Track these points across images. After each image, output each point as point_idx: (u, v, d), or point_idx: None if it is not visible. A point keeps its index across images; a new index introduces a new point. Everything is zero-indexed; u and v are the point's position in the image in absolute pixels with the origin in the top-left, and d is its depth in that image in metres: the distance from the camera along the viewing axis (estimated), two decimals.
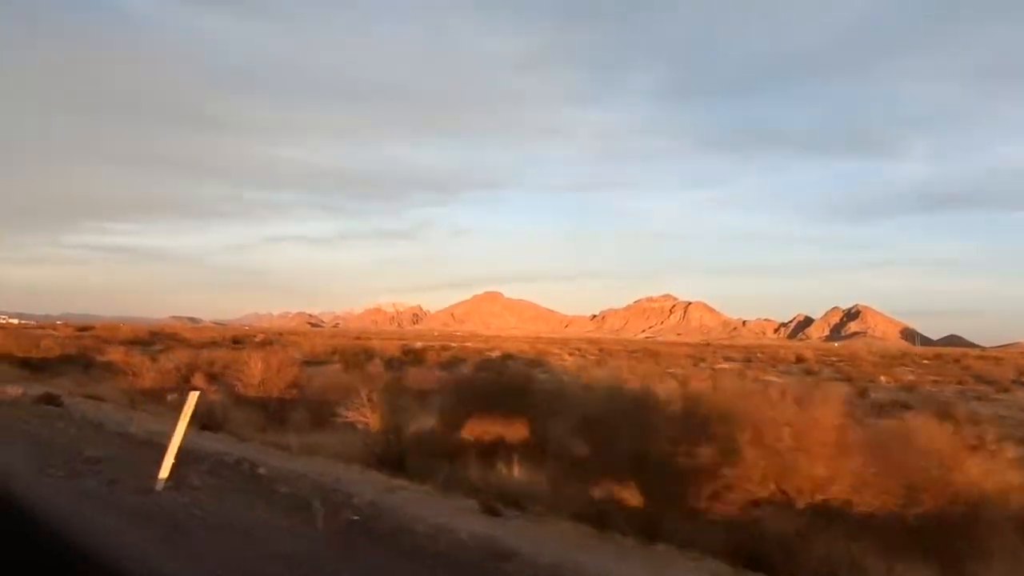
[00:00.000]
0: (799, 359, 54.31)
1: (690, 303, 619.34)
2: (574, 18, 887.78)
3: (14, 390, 15.37)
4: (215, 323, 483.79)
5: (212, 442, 11.29)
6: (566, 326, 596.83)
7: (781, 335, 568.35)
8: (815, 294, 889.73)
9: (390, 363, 37.32)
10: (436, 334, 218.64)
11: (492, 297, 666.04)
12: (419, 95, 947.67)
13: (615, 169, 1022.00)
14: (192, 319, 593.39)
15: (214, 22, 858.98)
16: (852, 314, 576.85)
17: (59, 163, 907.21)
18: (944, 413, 14.26)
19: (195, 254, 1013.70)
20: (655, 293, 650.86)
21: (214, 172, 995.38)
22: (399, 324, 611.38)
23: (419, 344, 64.95)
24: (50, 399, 14.23)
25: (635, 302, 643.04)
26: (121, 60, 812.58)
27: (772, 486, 7.03)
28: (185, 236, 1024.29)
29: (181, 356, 23.34)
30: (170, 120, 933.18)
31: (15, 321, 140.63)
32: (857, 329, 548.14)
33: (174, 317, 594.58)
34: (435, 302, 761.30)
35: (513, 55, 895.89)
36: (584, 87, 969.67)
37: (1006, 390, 32.84)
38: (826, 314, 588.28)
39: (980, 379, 39.15)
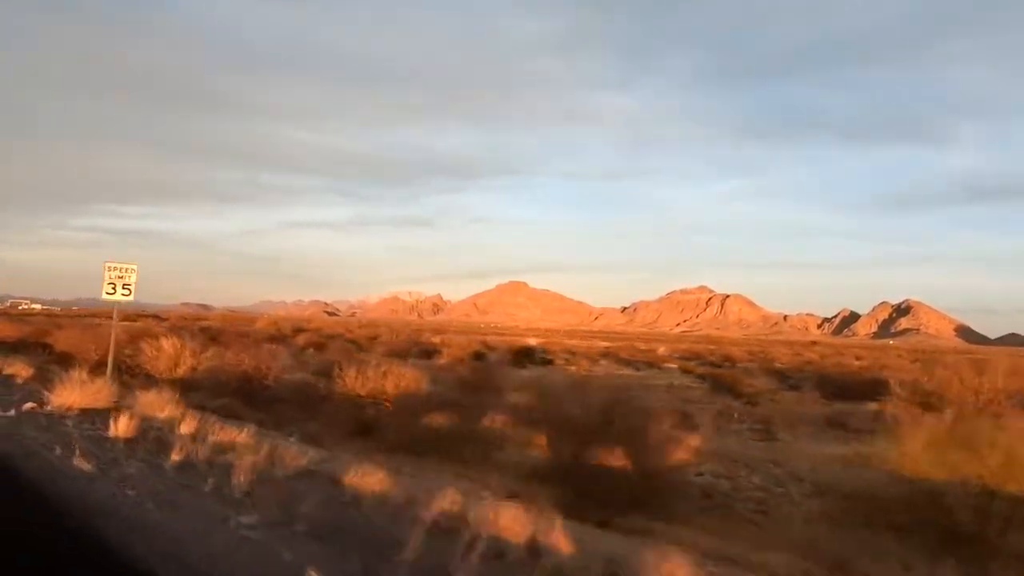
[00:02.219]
0: None
1: (728, 296, 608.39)
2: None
3: None
4: (228, 310, 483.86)
5: None
6: (595, 318, 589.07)
7: (825, 331, 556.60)
8: (860, 288, 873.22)
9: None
10: (489, 326, 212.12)
11: (516, 287, 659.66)
12: (440, 78, 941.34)
13: (645, 157, 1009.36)
14: (204, 306, 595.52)
15: (230, 1, 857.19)
16: (902, 310, 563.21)
17: (70, 145, 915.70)
18: None
19: (207, 239, 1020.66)
20: (689, 285, 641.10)
21: (229, 155, 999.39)
22: (419, 314, 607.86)
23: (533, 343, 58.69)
24: None
25: (668, 294, 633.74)
26: (135, 40, 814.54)
27: None
28: (198, 220, 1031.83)
29: None
30: (184, 101, 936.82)
31: (36, 307, 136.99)
32: (908, 326, 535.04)
33: (184, 304, 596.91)
34: (454, 291, 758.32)
35: (540, 38, 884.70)
36: (614, 71, 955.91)
37: None
38: (874, 309, 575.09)
39: None
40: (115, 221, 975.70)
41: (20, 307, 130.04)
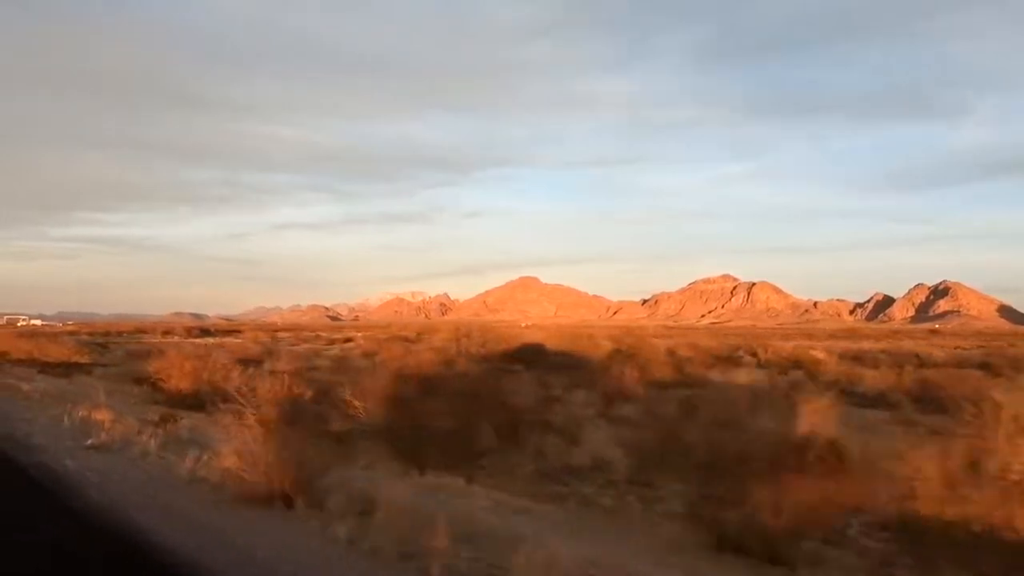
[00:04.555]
0: None
1: (754, 284, 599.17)
2: None
3: None
4: (222, 319, 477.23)
5: None
6: (614, 313, 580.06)
7: (858, 316, 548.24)
8: (889, 270, 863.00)
9: None
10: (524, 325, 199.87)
11: (527, 283, 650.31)
12: (428, 67, 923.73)
13: (646, 141, 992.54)
14: (195, 315, 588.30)
15: None
16: (940, 291, 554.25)
17: (44, 150, 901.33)
18: None
19: (193, 244, 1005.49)
20: (712, 274, 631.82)
21: (211, 155, 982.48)
22: (425, 315, 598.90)
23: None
24: None
25: (689, 284, 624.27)
26: (106, 35, 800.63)
27: None
28: (182, 225, 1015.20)
29: None
30: (162, 99, 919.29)
31: (37, 322, 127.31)
32: (948, 308, 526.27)
33: (175, 314, 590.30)
34: (457, 289, 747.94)
35: (530, 19, 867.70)
36: (609, 53, 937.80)
37: None
38: (909, 292, 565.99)
39: None
40: (96, 230, 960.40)
41: (19, 323, 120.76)
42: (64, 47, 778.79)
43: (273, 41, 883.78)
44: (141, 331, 50.37)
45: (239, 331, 51.90)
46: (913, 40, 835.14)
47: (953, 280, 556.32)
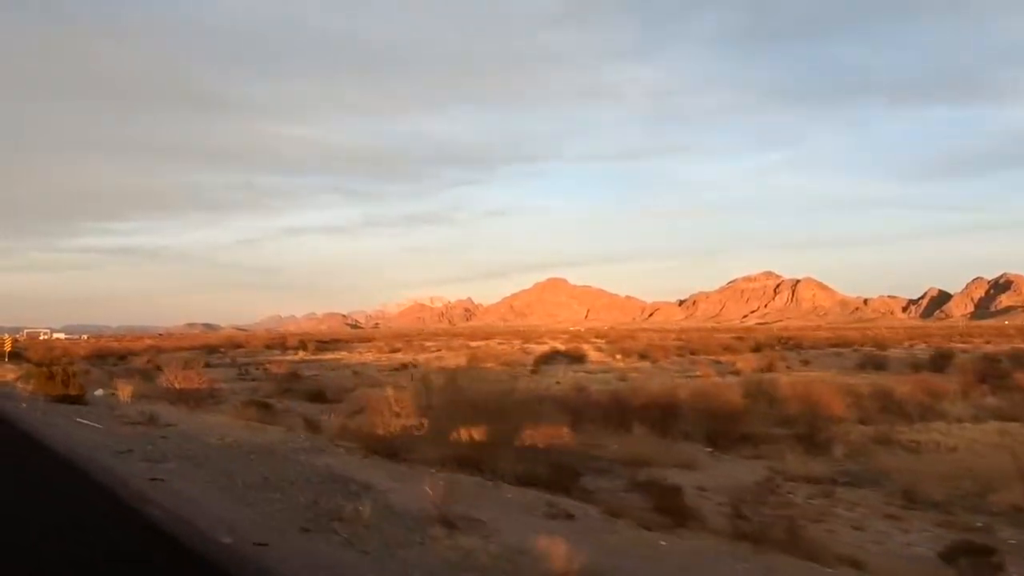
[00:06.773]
0: None
1: (798, 280, 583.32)
2: None
3: None
4: (236, 328, 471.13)
5: None
6: (649, 315, 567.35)
7: (912, 314, 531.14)
8: (945, 264, 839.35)
9: None
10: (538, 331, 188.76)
11: (555, 285, 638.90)
12: (445, 60, 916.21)
13: (677, 132, 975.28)
14: (209, 325, 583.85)
15: None
16: (1000, 285, 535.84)
17: (50, 158, 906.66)
18: None
19: (206, 252, 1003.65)
20: (753, 271, 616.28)
21: (223, 158, 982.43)
22: (450, 321, 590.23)
23: None
24: None
25: (729, 283, 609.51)
26: (114, 37, 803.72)
27: None
28: (194, 232, 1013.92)
29: None
30: (171, 102, 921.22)
31: (60, 335, 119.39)
32: (1010, 303, 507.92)
33: (189, 324, 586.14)
34: (481, 293, 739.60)
35: (550, 7, 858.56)
36: (634, 39, 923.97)
37: None
38: (967, 287, 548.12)
39: None
40: (106, 239, 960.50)
41: (40, 337, 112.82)
42: (71, 49, 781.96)
43: (286, 38, 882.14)
44: (238, 345, 41.78)
45: (369, 339, 42.07)
46: (959, 17, 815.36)
47: (1014, 273, 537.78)
